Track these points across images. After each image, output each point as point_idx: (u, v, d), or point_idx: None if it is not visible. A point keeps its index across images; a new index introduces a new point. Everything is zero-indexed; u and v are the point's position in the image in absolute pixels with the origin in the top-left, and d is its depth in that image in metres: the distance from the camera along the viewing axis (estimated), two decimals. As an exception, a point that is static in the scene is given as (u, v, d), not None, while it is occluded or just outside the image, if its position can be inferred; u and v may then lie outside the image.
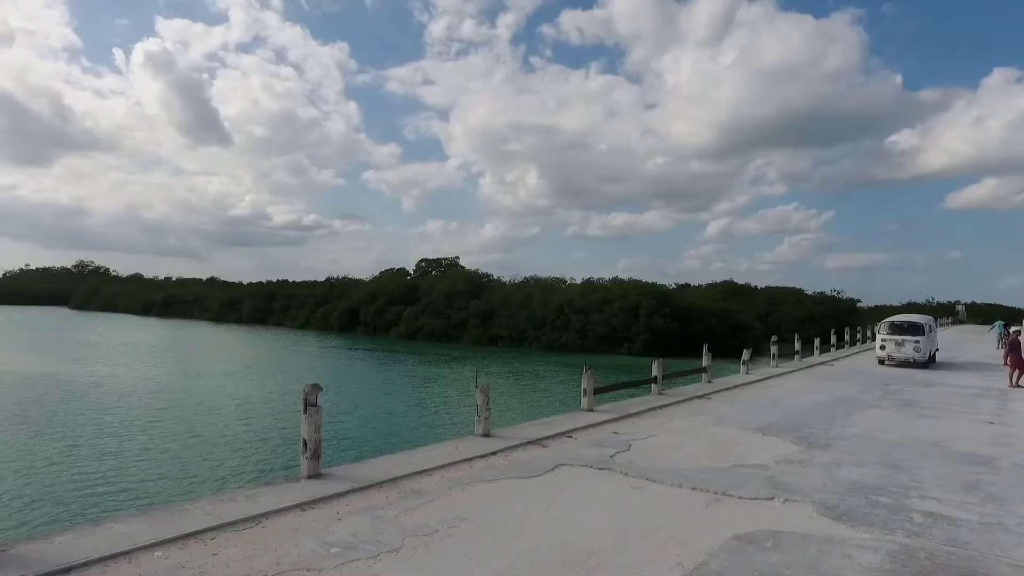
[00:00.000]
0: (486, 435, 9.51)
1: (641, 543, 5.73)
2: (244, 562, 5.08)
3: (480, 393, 9.59)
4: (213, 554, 5.21)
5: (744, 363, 19.58)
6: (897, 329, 22.34)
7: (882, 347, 22.33)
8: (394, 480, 7.28)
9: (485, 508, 6.54)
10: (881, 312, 75.48)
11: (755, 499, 7.09)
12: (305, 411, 7.22)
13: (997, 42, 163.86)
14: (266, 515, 6.07)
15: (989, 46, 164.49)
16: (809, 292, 71.68)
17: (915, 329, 22.12)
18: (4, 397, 23.93)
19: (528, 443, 9.34)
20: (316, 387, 7.31)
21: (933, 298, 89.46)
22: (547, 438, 9.70)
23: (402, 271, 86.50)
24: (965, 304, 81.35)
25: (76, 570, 4.82)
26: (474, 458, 8.40)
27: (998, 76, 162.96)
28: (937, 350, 24.93)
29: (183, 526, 5.67)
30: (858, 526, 6.29)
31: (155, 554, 5.18)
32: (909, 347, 21.58)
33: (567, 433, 10.12)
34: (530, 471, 7.96)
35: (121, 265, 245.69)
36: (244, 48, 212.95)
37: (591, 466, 8.31)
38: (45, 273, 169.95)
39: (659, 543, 5.73)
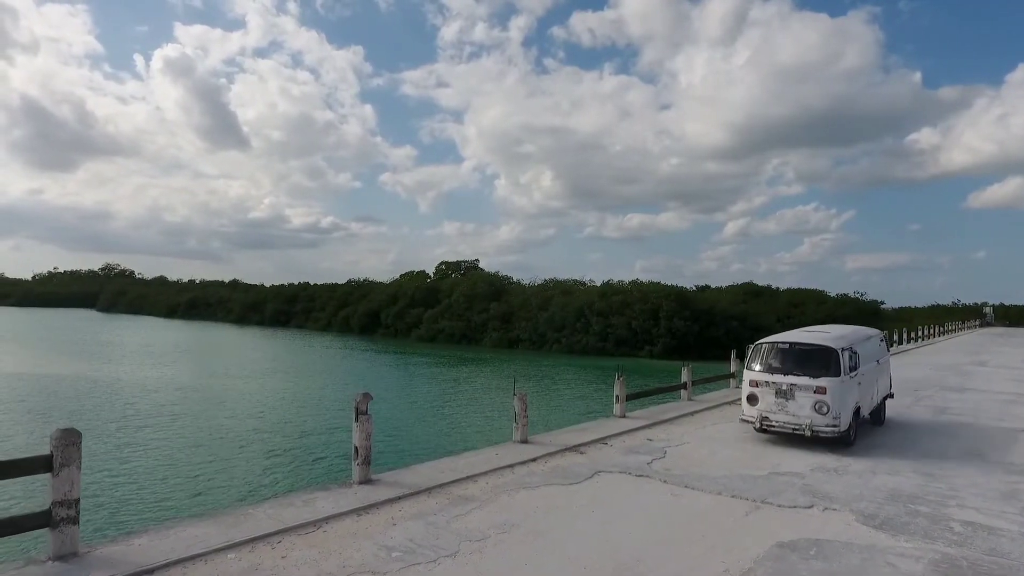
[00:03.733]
0: (524, 441, 9.76)
1: (687, 550, 5.92)
2: (312, 565, 5.37)
3: (518, 400, 9.84)
4: (282, 557, 5.51)
5: (771, 368, 19.58)
6: (782, 359, 10.61)
7: (751, 399, 10.66)
8: (442, 486, 7.55)
9: (532, 514, 6.77)
10: (905, 315, 74.38)
11: (794, 507, 7.24)
12: (356, 419, 7.51)
13: (1022, 37, 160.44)
14: (326, 520, 6.37)
15: (1013, 41, 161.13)
16: (831, 294, 70.94)
17: (819, 360, 10.23)
18: (52, 397, 24.70)
19: (566, 449, 9.56)
20: (367, 396, 7.60)
21: (959, 300, 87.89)
22: (583, 444, 9.91)
23: (422, 273, 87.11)
24: (993, 306, 79.70)
25: (159, 571, 5.14)
26: (515, 464, 8.64)
27: (1023, 72, 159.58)
28: (890, 396, 13.22)
29: (250, 530, 5.98)
30: (899, 535, 6.42)
31: (228, 556, 5.49)
32: (804, 402, 10.05)
33: (602, 440, 10.32)
34: (571, 478, 8.18)
35: (144, 267, 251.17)
36: (261, 53, 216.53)
37: (630, 473, 8.51)
38: (73, 276, 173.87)
39: (704, 550, 5.92)
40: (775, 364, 10.63)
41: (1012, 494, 7.98)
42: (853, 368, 10.43)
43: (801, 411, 10.09)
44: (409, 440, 18.81)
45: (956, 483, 8.41)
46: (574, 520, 6.66)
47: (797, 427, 10.13)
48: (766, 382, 10.51)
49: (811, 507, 7.26)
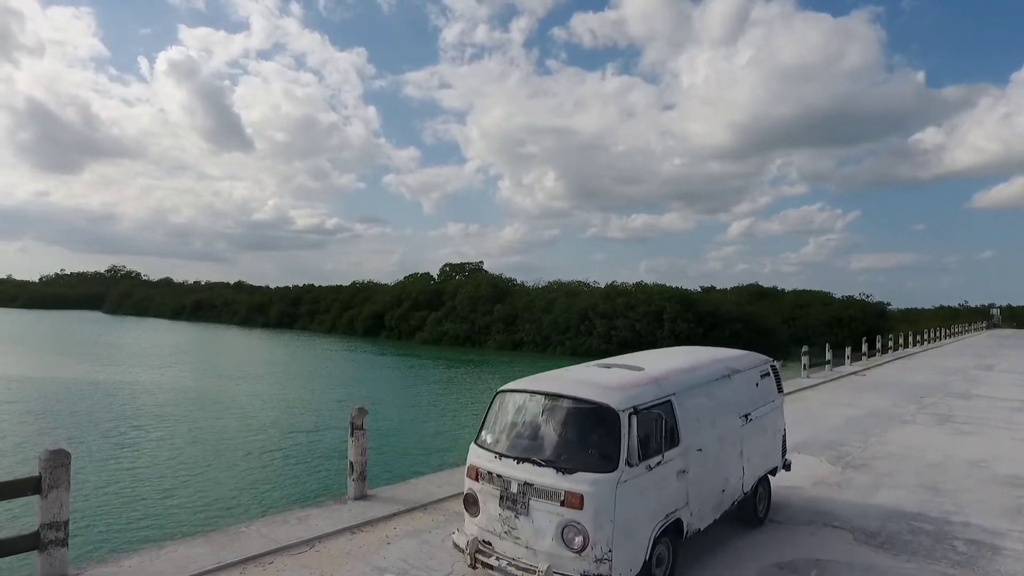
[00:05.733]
0: (522, 453, 9.63)
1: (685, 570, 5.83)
2: (303, 587, 5.30)
3: (516, 412, 9.70)
4: (273, 579, 5.45)
5: (774, 374, 19.41)
6: (524, 428, 5.22)
7: (469, 502, 5.22)
8: (438, 502, 7.49)
9: (528, 532, 6.68)
10: (912, 317, 73.80)
11: (794, 524, 7.14)
12: (352, 434, 7.45)
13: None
14: (319, 538, 6.31)
15: (1018, 39, 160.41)
16: (837, 295, 70.55)
17: (582, 434, 4.99)
18: (46, 401, 24.78)
19: (564, 462, 9.46)
20: (362, 411, 7.54)
21: (966, 301, 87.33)
22: (582, 456, 9.81)
23: (426, 275, 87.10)
24: (1000, 307, 79.14)
25: (148, 595, 5.09)
26: (513, 478, 8.55)
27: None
28: (783, 467, 7.54)
29: (242, 550, 5.93)
30: (900, 554, 6.31)
31: (218, 578, 5.43)
32: (544, 523, 4.69)
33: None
34: (568, 492, 8.08)
35: (150, 269, 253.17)
36: (265, 55, 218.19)
37: (628, 487, 8.40)
38: (79, 277, 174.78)
39: (703, 570, 5.83)
40: (511, 438, 5.27)
41: (1017, 510, 7.82)
42: (657, 448, 5.03)
43: (539, 540, 4.77)
44: (407, 449, 18.75)
45: (961, 498, 8.22)
46: (570, 538, 6.57)
47: (527, 571, 4.68)
48: (489, 474, 5.10)
49: (811, 524, 7.16)
